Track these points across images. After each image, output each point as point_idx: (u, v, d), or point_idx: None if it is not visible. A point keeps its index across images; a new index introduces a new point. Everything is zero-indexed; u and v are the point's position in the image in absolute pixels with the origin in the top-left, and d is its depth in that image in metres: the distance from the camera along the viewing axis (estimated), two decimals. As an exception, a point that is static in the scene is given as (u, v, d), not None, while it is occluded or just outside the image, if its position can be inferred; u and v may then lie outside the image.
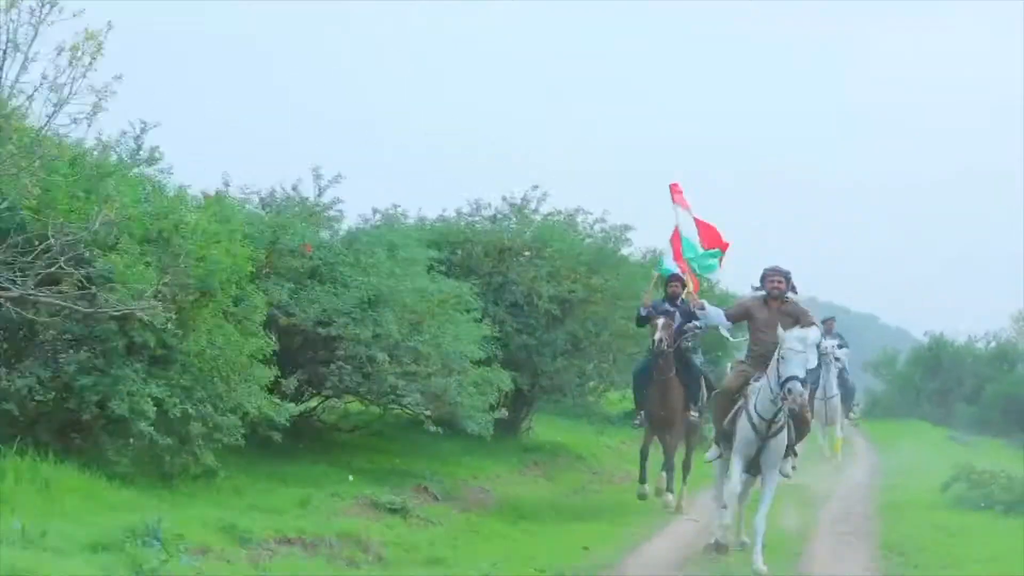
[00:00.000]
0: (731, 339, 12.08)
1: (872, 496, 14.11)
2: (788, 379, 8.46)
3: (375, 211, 13.55)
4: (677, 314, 11.65)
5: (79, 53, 6.93)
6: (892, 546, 10.13)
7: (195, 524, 7.10)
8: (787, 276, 9.50)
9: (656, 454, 11.81)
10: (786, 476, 9.46)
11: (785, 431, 9.12)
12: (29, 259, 7.22)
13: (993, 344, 34.68)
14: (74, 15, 7.07)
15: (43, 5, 6.95)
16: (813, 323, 9.17)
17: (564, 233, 14.04)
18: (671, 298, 11.90)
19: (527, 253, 13.36)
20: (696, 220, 11.44)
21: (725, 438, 9.51)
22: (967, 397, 31.70)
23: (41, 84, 7.15)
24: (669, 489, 11.72)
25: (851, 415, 19.24)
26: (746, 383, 9.27)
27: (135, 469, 7.97)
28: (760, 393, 8.98)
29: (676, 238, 11.51)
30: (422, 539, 8.80)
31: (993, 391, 30.30)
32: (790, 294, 9.47)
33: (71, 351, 7.61)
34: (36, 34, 7.08)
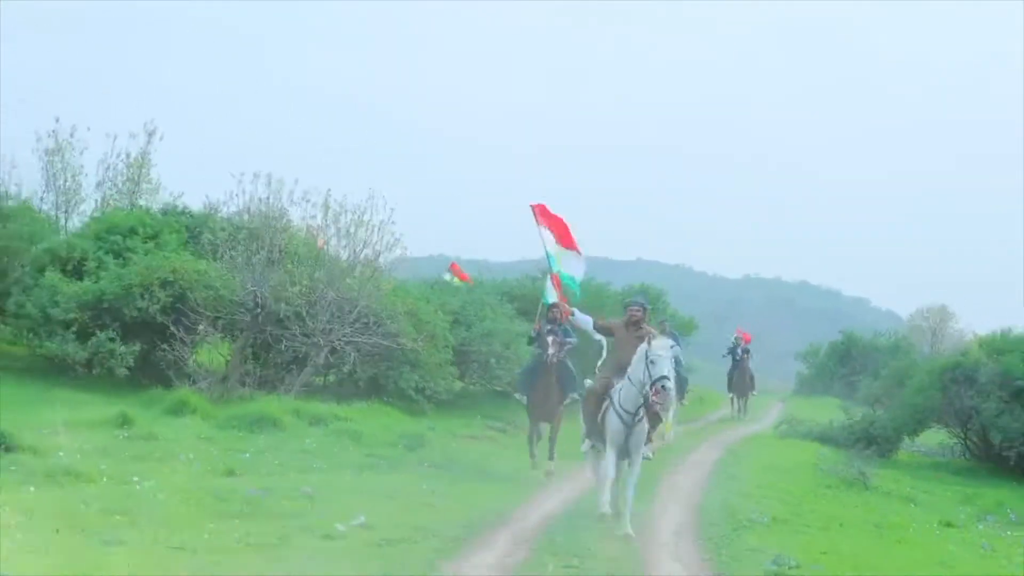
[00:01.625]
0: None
1: (746, 433, 25.14)
2: (660, 378, 10.14)
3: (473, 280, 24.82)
4: (559, 332, 14.66)
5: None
6: (731, 450, 20.98)
7: (438, 428, 18.09)
8: (645, 307, 11.64)
9: (540, 434, 15.11)
10: (647, 458, 11.20)
11: (645, 421, 10.79)
12: (369, 325, 18.39)
13: (892, 339, 45.32)
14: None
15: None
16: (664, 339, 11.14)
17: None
18: (551, 320, 14.74)
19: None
20: (560, 224, 13.26)
21: (596, 432, 11.17)
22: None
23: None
24: (550, 459, 14.77)
25: (683, 402, 22.47)
26: (609, 386, 10.99)
27: (401, 409, 18.98)
28: (623, 391, 10.63)
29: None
30: (517, 440, 19.66)
31: (886, 375, 40.33)
32: (644, 324, 11.43)
33: (383, 360, 18.78)
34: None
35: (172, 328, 17.14)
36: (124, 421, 13.75)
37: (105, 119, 56.11)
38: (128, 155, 28.23)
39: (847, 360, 43.40)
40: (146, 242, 18.75)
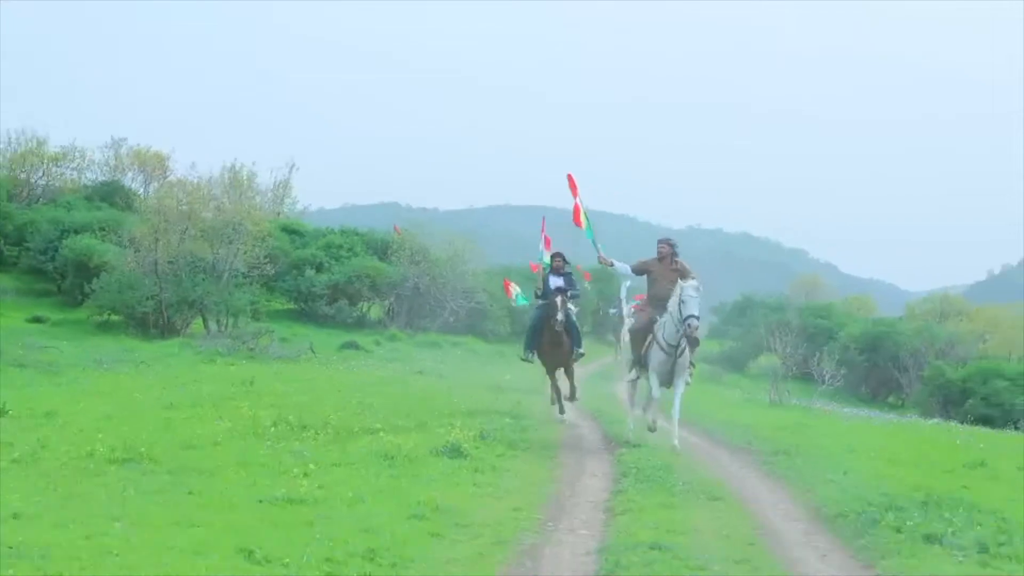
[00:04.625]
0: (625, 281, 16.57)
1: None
2: (689, 316, 11.58)
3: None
4: (561, 282, 14.84)
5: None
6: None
7: (507, 351, 35.27)
8: (673, 244, 12.95)
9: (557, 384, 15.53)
10: (687, 383, 12.68)
11: (687, 351, 12.16)
12: (467, 295, 35.64)
13: (777, 299, 63.05)
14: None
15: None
16: (695, 276, 12.17)
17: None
18: (556, 271, 15.08)
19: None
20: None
21: (641, 363, 12.59)
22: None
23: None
24: (572, 399, 15.76)
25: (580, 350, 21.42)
26: (652, 321, 12.28)
27: (483, 340, 36.10)
28: (665, 326, 12.00)
29: (578, 218, 13.73)
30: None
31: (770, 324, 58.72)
32: (676, 258, 12.73)
33: (473, 315, 36.09)
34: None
35: (374, 298, 34.31)
36: (379, 343, 30.85)
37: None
38: (276, 181, 45.27)
39: (745, 313, 60.25)
40: (348, 251, 35.69)
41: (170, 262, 25.46)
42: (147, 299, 25.10)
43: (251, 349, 23.35)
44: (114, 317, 25.88)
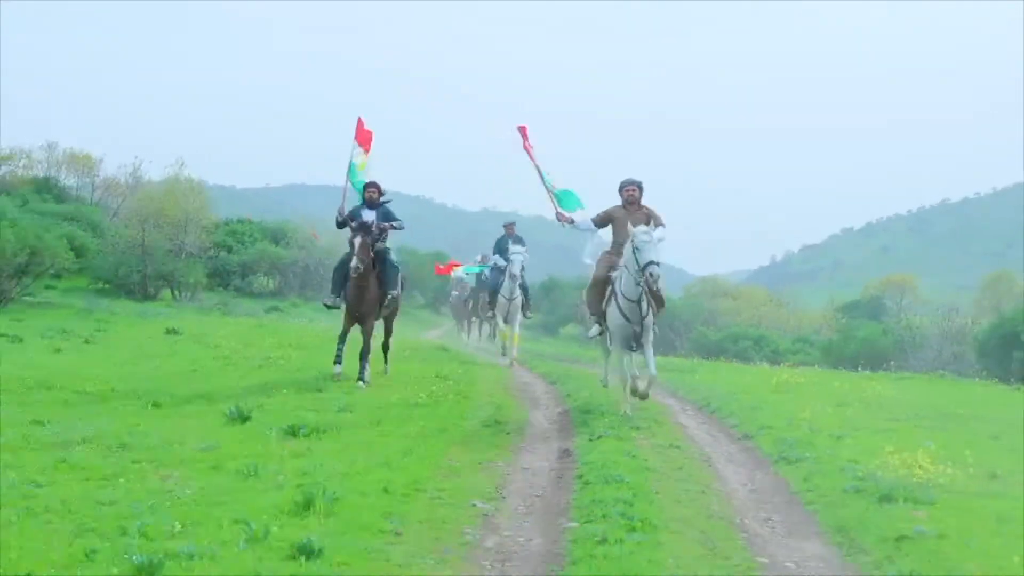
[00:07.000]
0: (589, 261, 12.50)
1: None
2: (648, 264, 10.37)
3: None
4: (375, 217, 13.41)
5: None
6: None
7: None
8: (640, 185, 11.51)
9: (356, 339, 13.72)
10: (654, 331, 11.50)
11: (651, 312, 11.05)
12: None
13: (576, 280, 75.84)
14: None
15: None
16: (662, 223, 11.05)
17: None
18: (369, 203, 13.61)
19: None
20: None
21: (602, 318, 11.60)
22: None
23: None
24: (360, 378, 13.37)
25: (528, 314, 20.86)
26: (611, 270, 11.25)
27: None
28: (624, 280, 10.91)
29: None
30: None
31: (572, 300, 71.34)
32: (644, 202, 11.49)
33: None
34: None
35: (273, 273, 44.13)
36: (294, 305, 40.70)
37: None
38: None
39: (551, 292, 72.15)
40: (249, 237, 45.20)
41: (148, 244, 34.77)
42: (135, 272, 34.29)
43: (220, 309, 33.06)
44: (106, 285, 34.80)
